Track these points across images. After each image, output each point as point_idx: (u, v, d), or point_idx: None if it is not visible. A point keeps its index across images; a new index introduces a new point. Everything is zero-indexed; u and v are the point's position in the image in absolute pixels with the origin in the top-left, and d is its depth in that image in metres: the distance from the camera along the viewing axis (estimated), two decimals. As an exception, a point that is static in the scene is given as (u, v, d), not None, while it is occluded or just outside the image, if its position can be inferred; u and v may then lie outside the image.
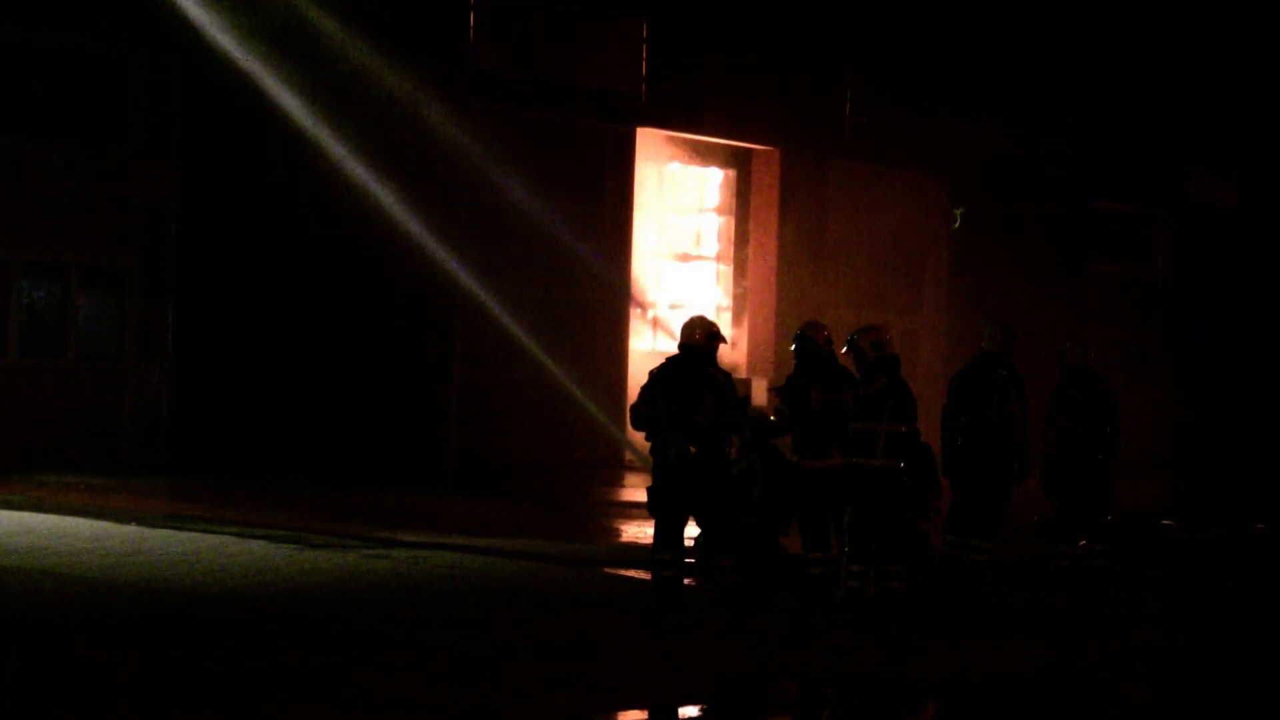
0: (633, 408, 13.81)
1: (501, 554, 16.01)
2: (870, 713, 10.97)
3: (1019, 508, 16.10)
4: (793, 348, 14.37)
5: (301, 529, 17.16)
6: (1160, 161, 35.19)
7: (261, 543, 15.96)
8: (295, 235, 24.77)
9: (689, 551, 13.99)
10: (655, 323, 28.14)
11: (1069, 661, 12.42)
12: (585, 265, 26.53)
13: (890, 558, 13.67)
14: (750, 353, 29.64)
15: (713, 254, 29.67)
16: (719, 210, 29.74)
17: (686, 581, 13.85)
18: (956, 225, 32.43)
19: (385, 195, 23.66)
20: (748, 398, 13.76)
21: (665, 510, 13.61)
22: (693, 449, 13.44)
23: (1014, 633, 13.38)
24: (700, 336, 13.76)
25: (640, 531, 18.48)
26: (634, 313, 27.78)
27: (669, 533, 13.60)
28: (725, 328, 29.57)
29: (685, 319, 14.12)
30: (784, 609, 13.64)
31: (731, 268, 29.83)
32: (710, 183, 29.65)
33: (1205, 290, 36.07)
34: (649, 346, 27.68)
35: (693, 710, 10.68)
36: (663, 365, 13.83)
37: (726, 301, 29.65)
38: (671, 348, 14.34)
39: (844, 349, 14.12)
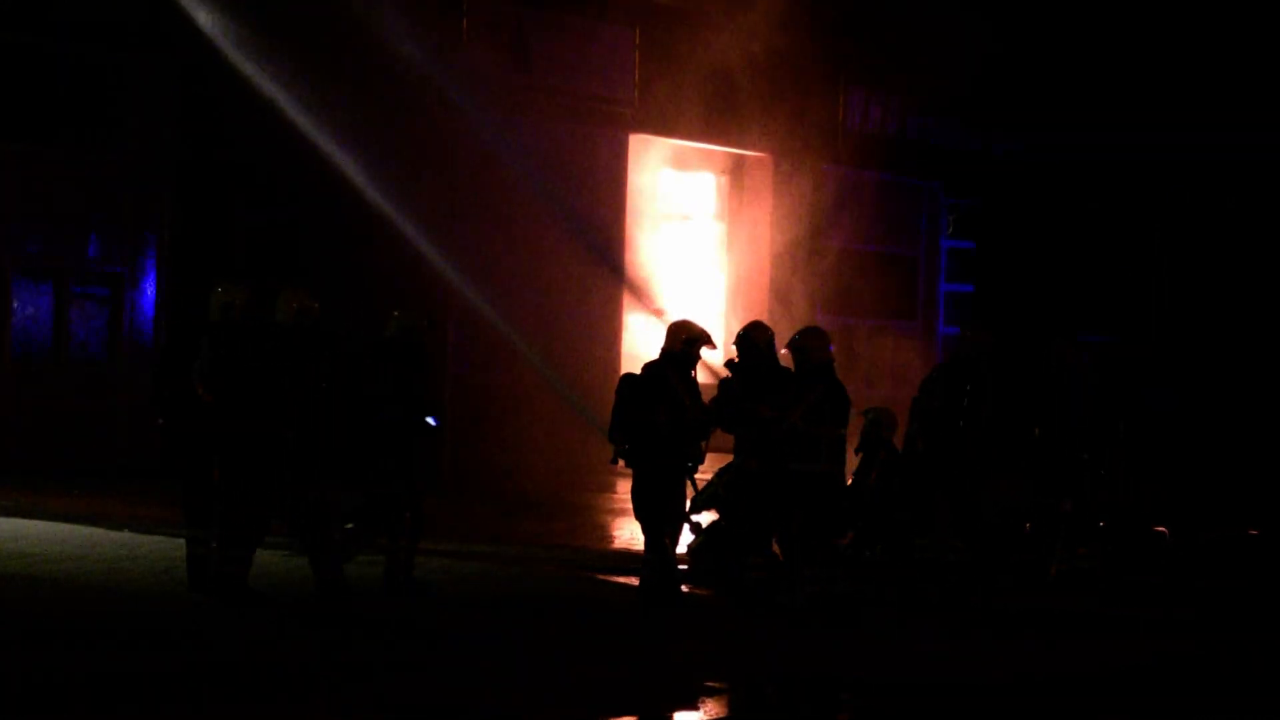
0: (610, 420, 13.85)
1: (494, 559, 16.01)
2: (869, 716, 10.97)
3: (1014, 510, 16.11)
4: (732, 342, 14.53)
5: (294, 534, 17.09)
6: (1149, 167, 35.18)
7: (254, 548, 15.92)
8: (289, 238, 24.75)
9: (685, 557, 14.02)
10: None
11: (1062, 666, 12.41)
12: (578, 270, 26.50)
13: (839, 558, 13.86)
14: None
15: (705, 260, 29.65)
16: (711, 217, 29.73)
17: (684, 588, 13.86)
18: (950, 231, 32.44)
19: (379, 198, 23.64)
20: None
21: (654, 514, 13.60)
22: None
23: (1007, 636, 13.37)
24: (678, 344, 13.80)
25: (634, 537, 18.48)
26: (657, 317, 27.67)
27: (661, 536, 13.59)
28: (718, 334, 29.50)
29: (669, 323, 14.16)
30: (775, 613, 13.65)
31: (724, 274, 29.81)
32: (703, 189, 29.63)
33: (1200, 293, 36.02)
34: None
35: (688, 716, 10.67)
36: (638, 372, 13.86)
37: (719, 308, 29.62)
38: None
39: (784, 349, 14.30)
